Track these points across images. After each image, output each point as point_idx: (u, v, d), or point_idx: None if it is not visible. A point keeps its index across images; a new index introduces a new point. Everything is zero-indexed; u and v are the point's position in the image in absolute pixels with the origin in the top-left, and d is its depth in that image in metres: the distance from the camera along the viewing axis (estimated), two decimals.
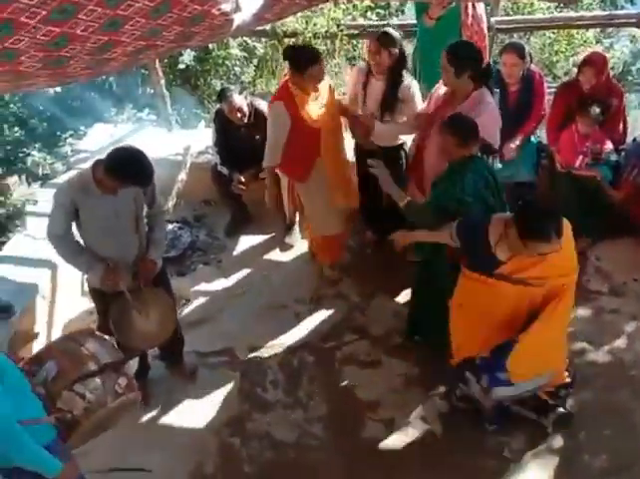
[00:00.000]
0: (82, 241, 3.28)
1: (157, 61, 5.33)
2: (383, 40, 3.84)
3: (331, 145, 3.95)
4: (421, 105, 4.00)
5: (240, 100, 4.49)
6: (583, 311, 4.13)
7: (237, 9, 2.04)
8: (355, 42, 6.19)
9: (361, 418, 3.66)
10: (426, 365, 3.88)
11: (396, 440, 3.53)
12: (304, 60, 3.67)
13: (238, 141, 4.61)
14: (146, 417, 3.75)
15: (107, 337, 2.96)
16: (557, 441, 3.42)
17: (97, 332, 2.99)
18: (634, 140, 4.45)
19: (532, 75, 4.39)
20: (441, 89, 3.79)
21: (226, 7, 2.02)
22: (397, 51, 3.87)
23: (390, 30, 3.91)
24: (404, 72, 3.98)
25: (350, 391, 3.80)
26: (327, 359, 4.01)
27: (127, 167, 2.96)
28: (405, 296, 4.32)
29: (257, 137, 4.55)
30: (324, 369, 3.96)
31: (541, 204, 2.93)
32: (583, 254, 4.48)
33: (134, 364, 3.57)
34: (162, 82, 5.55)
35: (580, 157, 4.25)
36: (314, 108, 3.82)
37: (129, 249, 3.29)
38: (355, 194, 4.26)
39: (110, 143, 5.38)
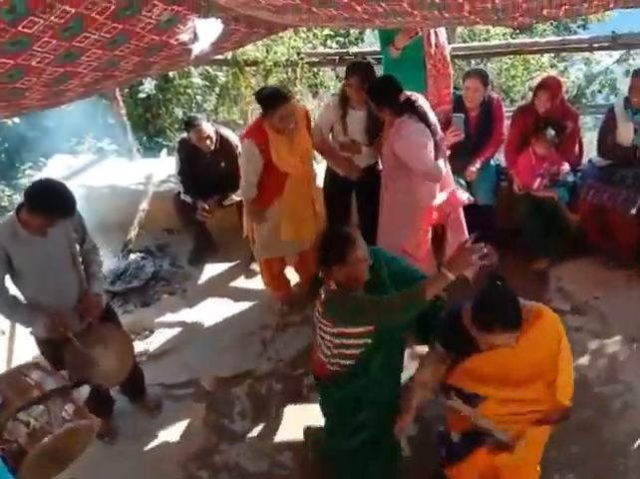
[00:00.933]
0: (20, 294, 3.16)
1: (117, 90, 5.32)
2: (366, 75, 3.89)
3: (296, 187, 3.98)
4: None
5: (209, 128, 4.50)
6: None
7: (195, 39, 2.05)
8: (316, 70, 6.25)
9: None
10: None
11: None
12: (272, 101, 3.67)
13: (203, 169, 4.61)
14: (111, 452, 3.65)
15: (54, 369, 2.87)
16: None
17: (42, 363, 2.90)
18: (589, 161, 4.56)
19: (491, 100, 4.50)
20: None
21: (184, 37, 2.02)
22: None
23: (364, 63, 4.01)
24: None
25: (319, 418, 3.73)
26: (295, 387, 3.97)
27: (47, 198, 2.89)
28: None
29: (222, 164, 4.57)
30: (292, 397, 3.91)
31: (496, 292, 2.58)
32: (544, 274, 4.59)
33: (84, 391, 3.47)
34: (123, 111, 5.53)
35: (538, 179, 4.33)
36: (285, 152, 3.83)
37: (68, 290, 3.20)
38: (312, 230, 4.16)
39: (69, 174, 5.34)
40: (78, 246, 3.26)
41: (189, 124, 4.49)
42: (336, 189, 4.36)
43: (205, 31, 2.09)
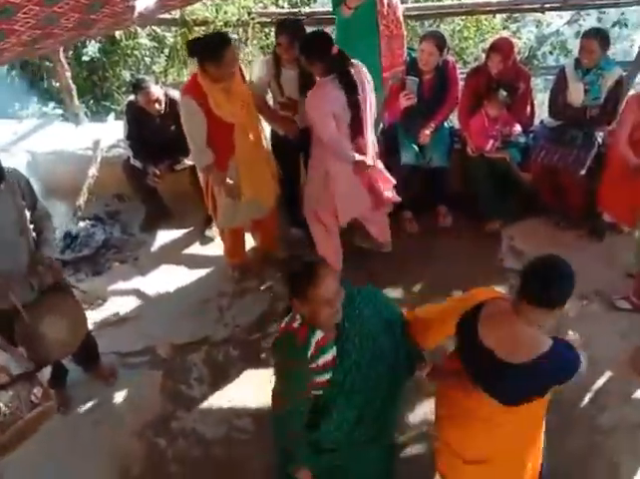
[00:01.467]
0: None
1: (60, 52, 5.11)
2: (294, 33, 3.83)
3: (245, 140, 3.82)
4: None
5: (158, 90, 4.37)
6: (498, 289, 4.23)
7: None
8: (267, 30, 6.11)
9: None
10: None
11: None
12: (217, 46, 3.47)
13: (153, 132, 4.50)
14: (66, 423, 3.60)
15: (13, 348, 2.80)
16: None
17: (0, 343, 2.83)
18: (541, 122, 4.61)
19: (446, 64, 4.46)
20: None
21: None
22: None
23: (294, 20, 3.92)
24: None
25: None
26: (253, 352, 3.96)
27: None
28: None
29: (172, 127, 4.45)
30: (250, 362, 3.91)
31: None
32: (497, 235, 4.66)
33: (47, 371, 3.41)
34: (68, 74, 5.32)
35: (491, 140, 4.36)
36: (227, 101, 3.66)
37: (17, 259, 3.05)
38: (271, 192, 4.13)
39: (14, 139, 5.15)
40: (28, 213, 3.12)
41: (137, 86, 4.34)
42: (282, 150, 4.29)
43: None
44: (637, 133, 4.06)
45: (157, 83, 4.47)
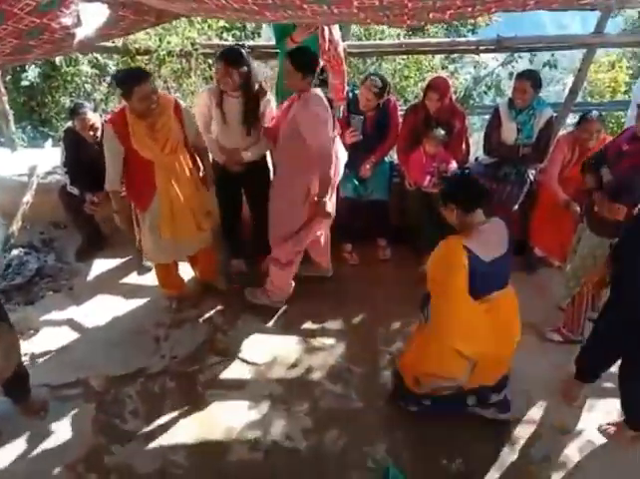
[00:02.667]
0: None
1: None
2: (230, 61, 3.83)
3: (167, 180, 3.77)
4: (271, 117, 4.14)
5: (94, 117, 4.31)
6: None
7: (79, 24, 1.95)
8: (211, 61, 6.15)
9: (226, 442, 3.58)
10: (290, 384, 3.90)
11: (261, 461, 3.49)
12: (129, 81, 3.49)
13: (90, 160, 4.40)
14: None
15: None
16: (418, 449, 3.54)
17: None
18: (476, 159, 4.78)
19: (388, 102, 4.56)
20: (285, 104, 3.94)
21: (67, 21, 1.92)
22: (245, 68, 3.88)
23: (233, 48, 3.95)
24: (256, 86, 4.02)
25: (214, 415, 3.72)
26: (189, 384, 3.90)
27: None
28: (268, 316, 4.34)
29: None
30: (187, 395, 3.83)
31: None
32: None
33: None
34: (5, 99, 5.21)
35: (428, 176, 4.47)
36: (149, 138, 3.65)
37: None
38: (194, 235, 4.06)
39: None
40: None
41: (74, 111, 4.28)
42: (223, 181, 4.28)
43: (90, 16, 2.00)
44: (566, 171, 4.26)
45: (95, 110, 4.41)
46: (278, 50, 4.58)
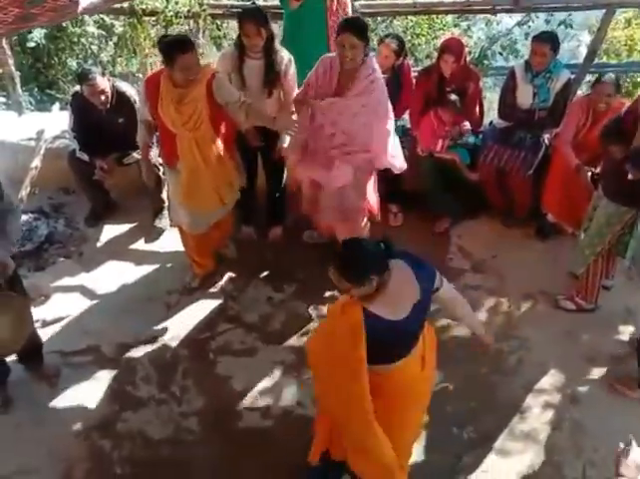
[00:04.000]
0: None
1: (3, 39, 4.92)
2: (260, 19, 3.76)
3: (188, 152, 3.68)
4: (295, 80, 4.00)
5: (103, 82, 4.23)
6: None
7: None
8: (219, 22, 6.02)
9: (237, 409, 3.60)
10: (301, 351, 3.89)
11: (273, 428, 3.51)
12: (173, 49, 3.37)
13: (99, 125, 4.37)
14: (6, 423, 3.49)
15: None
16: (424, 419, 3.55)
17: None
18: (490, 123, 4.68)
19: (402, 66, 4.47)
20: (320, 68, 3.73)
21: None
22: (269, 27, 3.82)
23: (258, 7, 3.85)
24: (278, 46, 3.94)
25: (226, 382, 3.73)
26: (201, 351, 3.91)
27: None
28: (279, 283, 4.31)
29: (120, 120, 4.34)
30: (198, 361, 3.85)
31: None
32: (446, 234, 4.71)
33: None
34: (11, 61, 5.14)
35: (440, 140, 4.39)
36: (172, 110, 3.53)
37: None
38: (213, 207, 3.93)
39: None
40: None
41: (82, 77, 4.20)
42: (240, 151, 4.20)
43: None
44: (580, 135, 4.17)
45: (103, 74, 4.32)
46: (282, 10, 4.46)
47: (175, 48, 3.37)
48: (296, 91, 3.98)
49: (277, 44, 3.96)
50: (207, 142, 3.69)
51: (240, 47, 3.89)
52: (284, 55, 3.94)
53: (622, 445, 2.11)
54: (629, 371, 3.63)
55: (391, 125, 3.77)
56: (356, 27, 3.46)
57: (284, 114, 3.96)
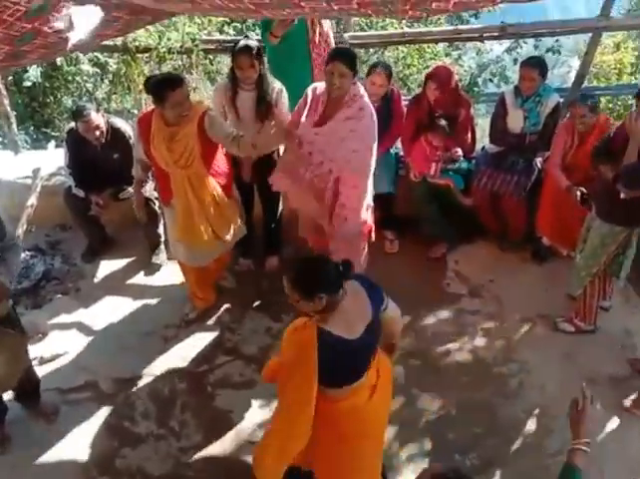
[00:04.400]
0: None
1: None
2: (256, 52, 3.83)
3: (180, 190, 3.68)
4: (287, 108, 4.05)
5: (98, 118, 4.27)
6: (445, 313, 4.30)
7: (72, 27, 1.91)
8: (212, 57, 6.11)
9: (238, 442, 3.56)
10: None
11: None
12: (162, 86, 3.37)
13: (95, 161, 4.40)
14: (4, 462, 3.45)
15: None
16: (427, 443, 3.51)
17: None
18: (482, 148, 4.72)
19: (392, 93, 4.51)
20: (309, 96, 3.75)
21: (59, 25, 1.88)
22: (262, 60, 3.92)
23: (252, 41, 3.91)
24: (270, 77, 4.01)
25: (225, 415, 3.70)
26: (199, 384, 3.88)
27: None
28: (277, 313, 4.30)
29: (115, 156, 4.38)
30: (197, 395, 3.82)
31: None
32: (442, 259, 4.71)
33: None
34: (7, 100, 5.19)
35: (433, 164, 4.42)
36: (164, 148, 3.53)
37: None
38: (209, 245, 3.87)
39: None
40: None
41: (77, 114, 4.24)
42: (236, 181, 4.24)
43: (83, 19, 1.95)
44: (568, 157, 4.19)
45: (98, 110, 4.37)
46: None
47: (165, 86, 3.37)
48: (288, 119, 4.01)
49: (269, 75, 4.02)
50: (200, 179, 3.67)
51: (233, 79, 3.95)
52: (275, 86, 4.00)
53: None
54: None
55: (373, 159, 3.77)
56: (346, 56, 3.50)
57: (267, 132, 3.99)
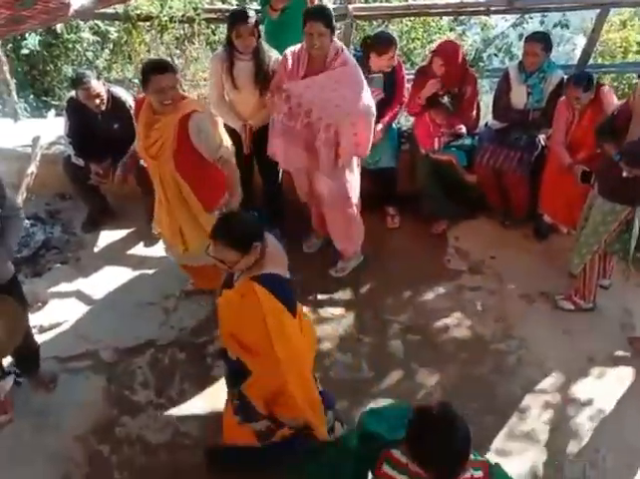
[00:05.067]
0: None
1: None
2: (256, 21, 3.80)
3: (155, 179, 3.52)
4: None
5: (98, 85, 4.22)
6: (445, 289, 4.31)
7: None
8: (214, 26, 6.03)
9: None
10: None
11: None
12: (148, 69, 3.20)
13: (95, 130, 4.35)
14: (5, 429, 3.47)
15: None
16: None
17: None
18: (486, 124, 4.68)
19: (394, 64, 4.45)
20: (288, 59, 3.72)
21: None
22: (259, 28, 3.88)
23: (250, 9, 3.86)
24: (266, 46, 3.98)
25: (224, 386, 3.68)
26: (199, 355, 3.89)
27: None
28: None
29: (115, 125, 4.33)
30: (196, 365, 3.83)
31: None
32: (443, 235, 4.71)
33: (7, 385, 3.35)
34: (6, 68, 5.13)
35: (437, 139, 4.39)
36: (142, 133, 3.37)
37: None
38: (194, 242, 3.60)
39: None
40: None
41: (77, 81, 4.18)
42: (235, 152, 4.20)
43: None
44: (569, 136, 4.16)
45: (98, 78, 4.32)
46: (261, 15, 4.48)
47: (150, 69, 3.21)
48: None
49: (265, 44, 4.00)
50: (169, 175, 3.43)
51: (230, 49, 3.91)
52: (272, 55, 3.97)
53: None
54: None
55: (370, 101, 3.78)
56: (322, 15, 3.49)
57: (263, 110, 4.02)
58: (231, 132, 4.03)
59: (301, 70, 3.66)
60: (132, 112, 4.19)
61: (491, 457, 3.27)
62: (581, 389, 3.67)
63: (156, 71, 3.17)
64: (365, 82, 3.73)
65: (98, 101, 4.22)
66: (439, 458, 1.92)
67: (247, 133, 4.09)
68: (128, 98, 4.38)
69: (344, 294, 4.29)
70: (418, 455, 1.94)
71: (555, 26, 7.19)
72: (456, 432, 1.93)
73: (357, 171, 4.02)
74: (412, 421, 1.98)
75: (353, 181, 4.00)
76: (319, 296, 4.27)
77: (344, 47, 3.66)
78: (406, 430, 1.98)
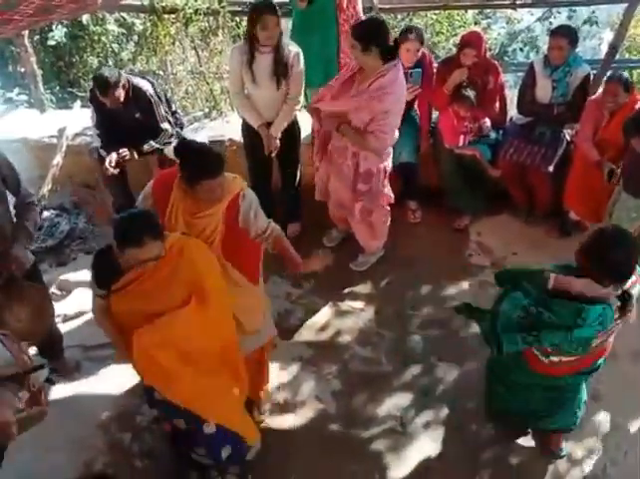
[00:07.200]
0: None
1: (25, 37, 4.98)
2: (279, 13, 3.79)
3: None
4: (302, 70, 4.02)
5: (119, 91, 4.11)
6: (467, 285, 4.28)
7: None
8: (239, 19, 6.04)
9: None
10: (319, 347, 3.90)
11: (291, 422, 3.51)
12: (197, 173, 2.71)
13: (120, 120, 4.36)
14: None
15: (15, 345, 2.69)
16: (443, 411, 3.53)
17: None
18: (511, 119, 4.64)
19: (423, 57, 4.43)
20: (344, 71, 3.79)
21: None
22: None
23: (272, 2, 3.86)
24: (287, 40, 3.98)
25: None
26: None
27: None
28: (298, 279, 4.31)
29: (137, 115, 4.34)
30: None
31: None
32: (465, 231, 4.68)
33: (42, 375, 3.33)
34: (33, 59, 5.19)
35: (462, 136, 4.37)
36: (183, 223, 2.87)
37: None
38: None
39: None
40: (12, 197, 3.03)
41: (101, 90, 4.07)
42: (253, 148, 4.22)
43: None
44: (598, 135, 4.11)
45: (117, 83, 4.15)
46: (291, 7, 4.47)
47: (203, 173, 2.72)
48: (302, 86, 4.05)
49: (286, 38, 3.99)
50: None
51: (251, 42, 3.90)
52: (292, 49, 3.96)
53: None
54: None
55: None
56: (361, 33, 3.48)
57: (286, 109, 4.04)
58: (251, 130, 4.06)
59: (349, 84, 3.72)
60: (153, 100, 4.22)
61: (513, 453, 3.30)
62: (604, 386, 3.63)
63: (208, 176, 2.72)
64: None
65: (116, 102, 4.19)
66: (625, 266, 2.48)
67: (268, 136, 4.10)
68: (148, 87, 4.37)
69: (364, 288, 4.29)
70: (604, 269, 2.48)
71: (585, 23, 7.09)
72: (632, 241, 2.48)
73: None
74: (592, 242, 2.56)
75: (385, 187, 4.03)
76: (339, 290, 4.27)
77: (400, 78, 3.61)
78: (583, 253, 2.62)
